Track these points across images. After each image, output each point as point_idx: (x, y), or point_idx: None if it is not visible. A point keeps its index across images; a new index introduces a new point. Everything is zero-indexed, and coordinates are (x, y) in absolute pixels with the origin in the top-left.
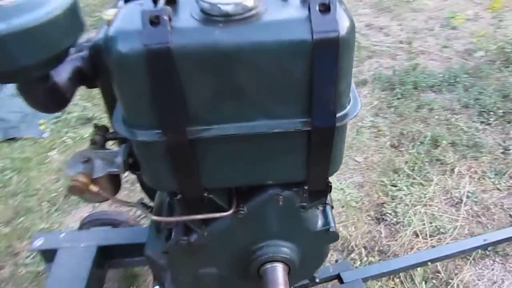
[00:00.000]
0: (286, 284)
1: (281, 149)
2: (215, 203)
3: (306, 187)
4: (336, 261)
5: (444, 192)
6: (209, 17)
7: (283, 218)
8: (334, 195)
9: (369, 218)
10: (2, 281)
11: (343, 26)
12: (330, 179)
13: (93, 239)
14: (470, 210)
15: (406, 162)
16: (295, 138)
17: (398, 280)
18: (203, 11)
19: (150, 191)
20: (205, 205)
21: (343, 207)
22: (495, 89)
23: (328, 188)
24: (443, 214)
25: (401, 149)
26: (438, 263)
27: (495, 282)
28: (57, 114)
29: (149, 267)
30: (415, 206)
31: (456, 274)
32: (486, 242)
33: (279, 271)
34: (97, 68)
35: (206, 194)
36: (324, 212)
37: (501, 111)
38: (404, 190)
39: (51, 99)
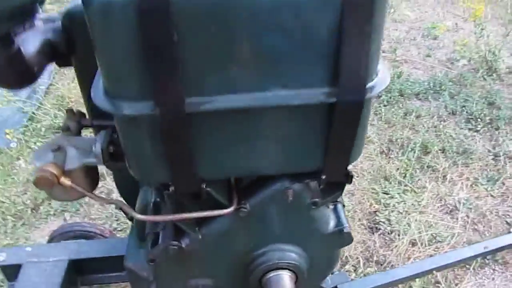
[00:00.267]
0: None
1: (297, 128)
2: (213, 199)
3: (322, 177)
4: (332, 272)
5: (438, 199)
6: None
7: (291, 218)
8: None
9: (362, 227)
10: None
11: None
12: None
13: (63, 253)
14: (466, 218)
15: (397, 169)
16: (314, 114)
17: None
18: None
19: (128, 194)
20: (202, 201)
21: None
22: (481, 96)
23: (348, 178)
24: (438, 221)
25: (391, 156)
26: (438, 273)
27: None
28: (25, 122)
29: (129, 281)
30: (409, 214)
31: (456, 285)
32: (487, 249)
33: (285, 280)
34: (72, 42)
35: (203, 187)
36: (336, 211)
37: (488, 118)
38: (396, 198)
39: (13, 70)
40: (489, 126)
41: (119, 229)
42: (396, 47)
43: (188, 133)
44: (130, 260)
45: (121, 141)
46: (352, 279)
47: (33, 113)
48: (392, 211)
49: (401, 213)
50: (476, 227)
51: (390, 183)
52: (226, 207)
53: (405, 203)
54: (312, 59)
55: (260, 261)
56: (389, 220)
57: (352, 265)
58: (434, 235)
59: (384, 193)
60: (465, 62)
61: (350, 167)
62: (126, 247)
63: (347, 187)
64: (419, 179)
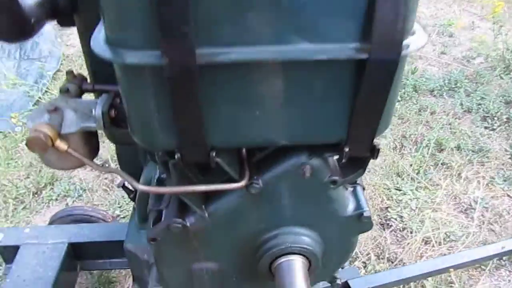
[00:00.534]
0: (306, 284)
1: (319, 91)
2: (222, 173)
3: (345, 150)
4: (342, 267)
5: (452, 197)
6: None
7: (307, 197)
8: None
9: (373, 223)
10: None
11: None
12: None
13: (63, 236)
14: (481, 217)
15: (411, 165)
16: (340, 73)
17: None
18: None
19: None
20: (210, 175)
21: None
22: (498, 95)
23: (374, 153)
24: (453, 220)
25: (404, 152)
26: (452, 274)
27: None
28: (30, 107)
29: (129, 265)
30: (422, 212)
31: (471, 286)
32: (504, 249)
33: (297, 266)
34: None
35: (213, 156)
36: (355, 194)
37: (505, 116)
38: (409, 194)
39: (8, 18)
40: (506, 125)
41: (122, 216)
42: None
43: (198, 89)
44: (130, 242)
45: (123, 100)
46: (364, 275)
47: (39, 97)
48: (405, 208)
49: (414, 210)
50: (492, 227)
51: (403, 179)
52: (237, 182)
53: (418, 200)
54: (342, 9)
55: (271, 245)
56: (401, 216)
57: (362, 261)
58: (448, 233)
59: (397, 189)
60: (481, 60)
61: (376, 140)
62: (127, 228)
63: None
64: (433, 176)
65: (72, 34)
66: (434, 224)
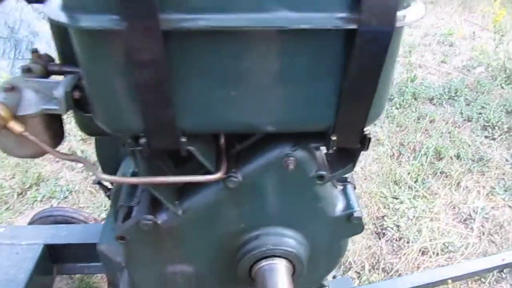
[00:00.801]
0: None
1: (303, 67)
2: (199, 165)
3: (332, 139)
4: (334, 277)
5: (451, 207)
6: None
7: (292, 194)
8: None
9: (368, 231)
10: None
11: None
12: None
13: (38, 236)
14: (481, 227)
15: (408, 173)
16: (327, 47)
17: None
18: None
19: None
20: (186, 165)
21: None
22: (498, 104)
23: (364, 143)
24: (451, 230)
25: (402, 160)
26: (450, 286)
27: None
28: None
29: (103, 266)
30: (419, 221)
31: None
32: (505, 262)
33: (280, 271)
34: None
35: (183, 141)
36: (345, 193)
37: (506, 126)
38: (406, 203)
39: None
40: (507, 134)
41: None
42: (411, 52)
43: (163, 60)
44: (103, 242)
45: (83, 75)
46: (357, 286)
47: None
48: (402, 217)
49: (411, 219)
50: (492, 238)
51: (400, 187)
52: (212, 173)
53: (415, 209)
54: None
55: (251, 246)
56: (397, 226)
57: (356, 271)
58: (446, 244)
59: (394, 197)
60: (482, 70)
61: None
62: (102, 228)
63: None
64: (431, 185)
65: None
66: (431, 234)
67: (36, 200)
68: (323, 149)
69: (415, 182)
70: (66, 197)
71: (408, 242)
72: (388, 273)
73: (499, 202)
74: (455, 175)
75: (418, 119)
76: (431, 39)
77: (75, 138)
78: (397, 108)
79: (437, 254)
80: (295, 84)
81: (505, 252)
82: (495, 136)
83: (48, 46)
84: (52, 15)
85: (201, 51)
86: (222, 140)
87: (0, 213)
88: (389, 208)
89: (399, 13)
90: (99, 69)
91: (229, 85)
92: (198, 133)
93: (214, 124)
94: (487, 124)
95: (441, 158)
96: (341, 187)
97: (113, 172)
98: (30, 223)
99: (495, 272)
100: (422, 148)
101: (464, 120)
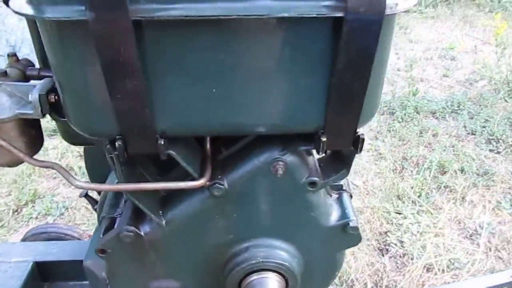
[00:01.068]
0: None
1: (288, 60)
2: (181, 171)
3: (322, 140)
4: None
5: (456, 222)
6: None
7: (282, 203)
8: None
9: (371, 247)
10: None
11: None
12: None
13: (28, 254)
14: (488, 243)
15: (412, 188)
16: (313, 38)
17: None
18: None
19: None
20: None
21: None
22: (502, 117)
23: (357, 145)
24: (457, 246)
25: (405, 174)
26: None
27: None
28: None
29: (89, 283)
30: (423, 236)
31: None
32: None
33: (271, 286)
34: None
35: (162, 144)
36: (340, 201)
37: (510, 139)
38: (410, 218)
39: None
40: None
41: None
42: (412, 66)
43: (134, 53)
44: (89, 258)
45: (53, 73)
46: None
47: None
48: (405, 232)
49: (415, 234)
50: (499, 254)
51: (403, 202)
52: (196, 179)
53: (419, 224)
54: None
55: (240, 259)
56: (401, 241)
57: None
58: (452, 260)
59: (397, 212)
60: (485, 83)
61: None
62: (89, 243)
63: (356, 204)
64: (435, 199)
65: None
66: (436, 250)
67: (31, 217)
68: (316, 154)
69: (418, 196)
70: (62, 214)
71: (412, 259)
72: None
73: (505, 217)
74: (459, 189)
75: (421, 132)
76: (432, 53)
77: (73, 154)
78: (399, 122)
79: (443, 271)
80: (279, 81)
81: None
82: (499, 150)
83: (31, 52)
84: (17, 8)
85: (176, 43)
86: (208, 146)
87: None
88: (392, 224)
89: (390, 1)
90: (67, 64)
91: (208, 81)
92: (179, 135)
93: (195, 126)
94: (491, 137)
95: (445, 172)
96: (336, 196)
97: (100, 181)
98: (23, 240)
99: None
100: (425, 162)
101: (468, 133)
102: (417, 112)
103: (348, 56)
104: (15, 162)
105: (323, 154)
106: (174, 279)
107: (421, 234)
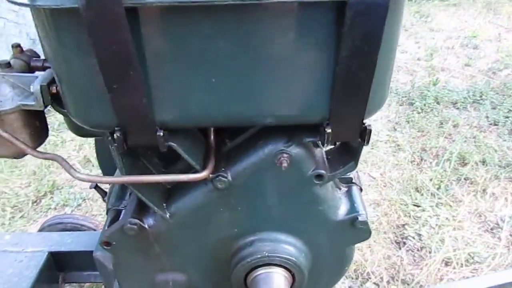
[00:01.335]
0: None
1: (290, 48)
2: (186, 164)
3: (327, 131)
4: None
5: (476, 215)
6: None
7: (288, 196)
8: None
9: (388, 241)
10: None
11: None
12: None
13: (43, 244)
14: (510, 237)
15: (431, 180)
16: (315, 23)
17: None
18: None
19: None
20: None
21: None
22: None
23: (364, 136)
24: (477, 239)
25: (424, 166)
26: None
27: None
28: None
29: (100, 274)
30: (442, 229)
31: None
32: None
33: (277, 281)
34: None
35: (161, 136)
36: (350, 194)
37: None
38: (428, 211)
39: None
40: None
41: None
42: (433, 55)
43: (128, 41)
44: (99, 249)
45: (50, 65)
46: None
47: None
48: (423, 225)
49: (434, 228)
50: None
51: (422, 194)
52: (198, 172)
53: (438, 217)
54: None
55: (245, 253)
56: (419, 235)
57: (374, 283)
58: (471, 254)
59: (415, 205)
60: (509, 72)
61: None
62: (100, 235)
63: (373, 197)
64: (454, 192)
65: None
66: (455, 243)
67: (50, 208)
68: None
69: (437, 189)
70: (79, 205)
71: (430, 252)
72: (408, 285)
73: None
74: (480, 182)
75: (441, 123)
76: (454, 42)
77: (90, 146)
78: (418, 113)
79: (462, 265)
80: (282, 69)
81: None
82: None
83: None
84: None
85: (173, 31)
86: (212, 138)
87: (14, 221)
88: (410, 216)
89: None
90: (62, 54)
91: (207, 71)
92: (179, 127)
93: (196, 117)
94: None
95: (466, 164)
96: (346, 189)
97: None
98: (40, 230)
99: None
100: (445, 153)
101: (490, 124)
102: (437, 103)
103: (352, 43)
104: (20, 154)
105: (331, 146)
106: (180, 272)
107: (439, 227)
